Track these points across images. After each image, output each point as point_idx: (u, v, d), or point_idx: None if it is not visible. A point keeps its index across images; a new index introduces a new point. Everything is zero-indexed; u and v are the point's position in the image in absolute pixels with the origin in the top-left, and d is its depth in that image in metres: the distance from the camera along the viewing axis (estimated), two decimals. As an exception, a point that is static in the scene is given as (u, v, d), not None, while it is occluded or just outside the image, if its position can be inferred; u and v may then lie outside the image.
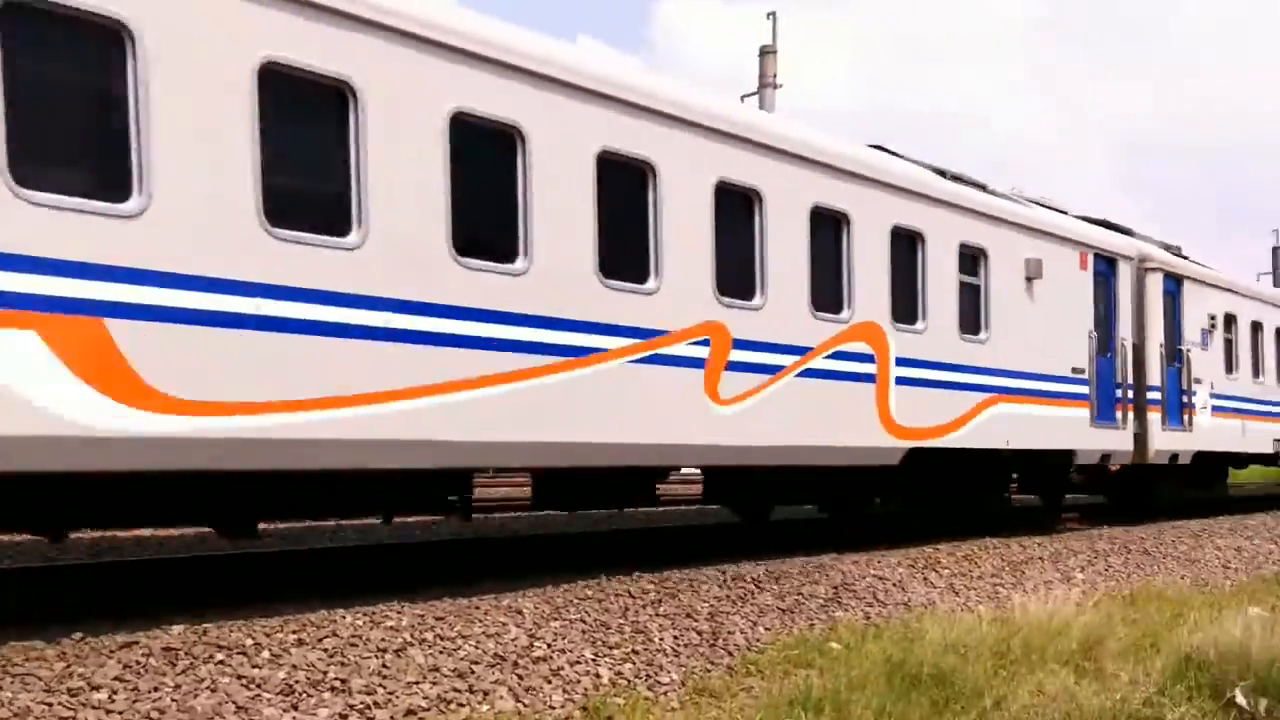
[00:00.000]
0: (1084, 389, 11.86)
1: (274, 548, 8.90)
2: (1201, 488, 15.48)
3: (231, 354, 5.37)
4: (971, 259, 10.54)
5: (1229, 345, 15.29)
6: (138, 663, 4.46)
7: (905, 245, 9.78)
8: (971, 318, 10.51)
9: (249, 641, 4.86)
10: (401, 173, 5.96)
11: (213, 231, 5.29)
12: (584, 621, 5.96)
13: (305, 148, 5.88)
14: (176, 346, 5.19)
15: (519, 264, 6.67)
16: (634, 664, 5.67)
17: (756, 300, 8.29)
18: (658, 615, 6.32)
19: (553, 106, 6.79)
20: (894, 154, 10.50)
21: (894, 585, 8.09)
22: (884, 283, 9.50)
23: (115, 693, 4.22)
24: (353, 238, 5.80)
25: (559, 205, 6.86)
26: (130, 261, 5.02)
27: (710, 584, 7.08)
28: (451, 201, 6.19)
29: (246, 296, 5.40)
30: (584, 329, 7.03)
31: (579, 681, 5.33)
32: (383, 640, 5.13)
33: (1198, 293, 14.21)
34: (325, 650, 4.93)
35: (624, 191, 7.36)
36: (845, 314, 9.12)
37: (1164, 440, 13.05)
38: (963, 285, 10.40)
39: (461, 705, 4.85)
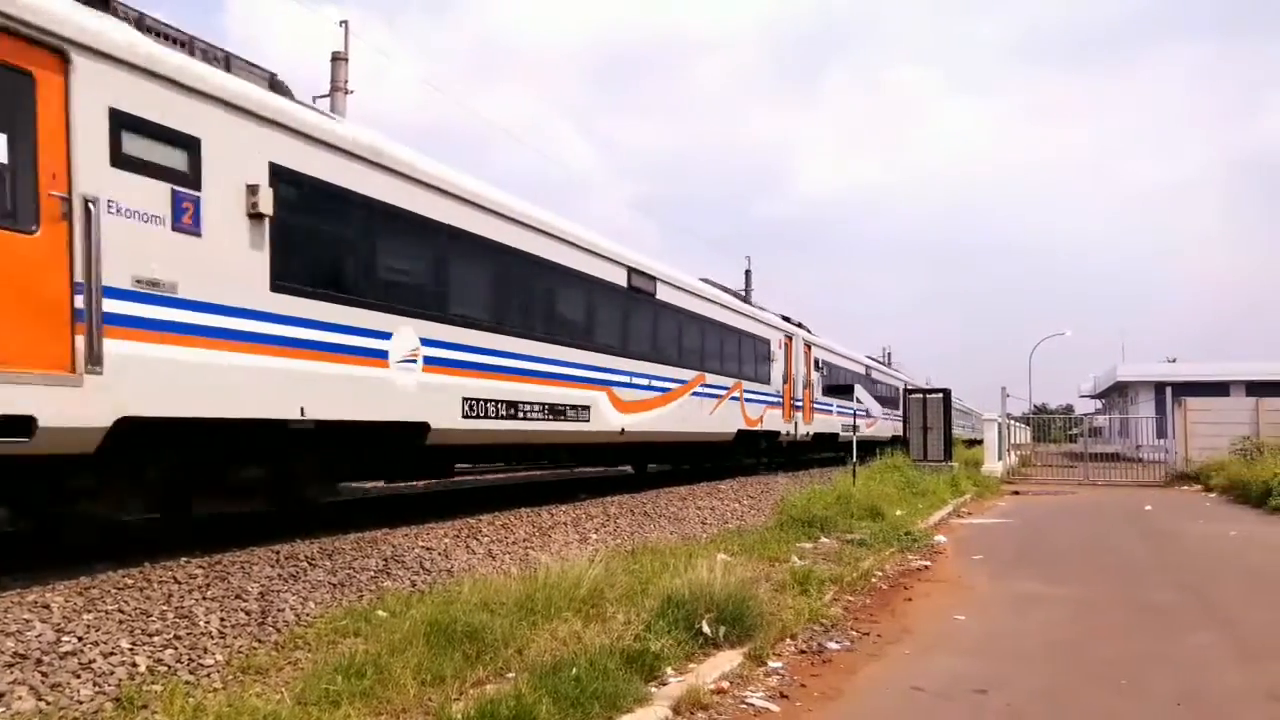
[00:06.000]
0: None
1: None
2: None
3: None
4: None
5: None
6: None
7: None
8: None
9: None
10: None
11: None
12: (122, 611, 5.45)
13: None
14: None
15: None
16: (176, 650, 5.31)
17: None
18: (205, 599, 5.96)
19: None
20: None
21: (440, 554, 8.26)
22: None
23: None
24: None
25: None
26: None
27: (263, 564, 6.79)
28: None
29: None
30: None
31: (112, 673, 4.89)
32: None
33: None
34: None
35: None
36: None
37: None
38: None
39: (-33, 712, 4.23)
